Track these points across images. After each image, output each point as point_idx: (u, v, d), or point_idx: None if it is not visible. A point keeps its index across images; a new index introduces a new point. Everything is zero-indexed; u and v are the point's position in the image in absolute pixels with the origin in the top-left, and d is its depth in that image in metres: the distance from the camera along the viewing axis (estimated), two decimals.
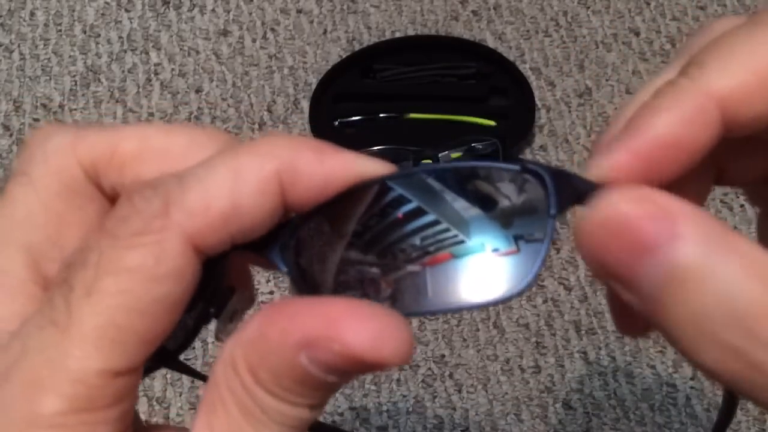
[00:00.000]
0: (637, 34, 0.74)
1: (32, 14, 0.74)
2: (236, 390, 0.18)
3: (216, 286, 0.20)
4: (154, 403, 0.58)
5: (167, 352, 0.21)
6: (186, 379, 0.58)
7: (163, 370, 0.58)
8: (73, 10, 0.74)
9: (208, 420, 0.18)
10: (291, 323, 0.18)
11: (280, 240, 0.20)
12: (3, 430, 0.18)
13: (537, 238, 0.19)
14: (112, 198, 0.22)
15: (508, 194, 0.20)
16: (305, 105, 0.69)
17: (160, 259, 0.18)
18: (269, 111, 0.69)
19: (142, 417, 0.58)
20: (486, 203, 0.20)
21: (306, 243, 0.20)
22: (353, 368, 0.17)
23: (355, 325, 0.17)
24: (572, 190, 0.19)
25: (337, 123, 0.68)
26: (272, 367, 0.18)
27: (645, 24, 0.74)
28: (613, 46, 0.73)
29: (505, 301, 0.19)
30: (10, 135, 0.68)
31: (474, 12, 0.75)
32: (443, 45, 0.73)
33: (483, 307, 0.19)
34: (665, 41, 0.73)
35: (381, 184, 0.20)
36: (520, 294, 0.19)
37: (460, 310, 0.20)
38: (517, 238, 0.19)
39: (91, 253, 0.18)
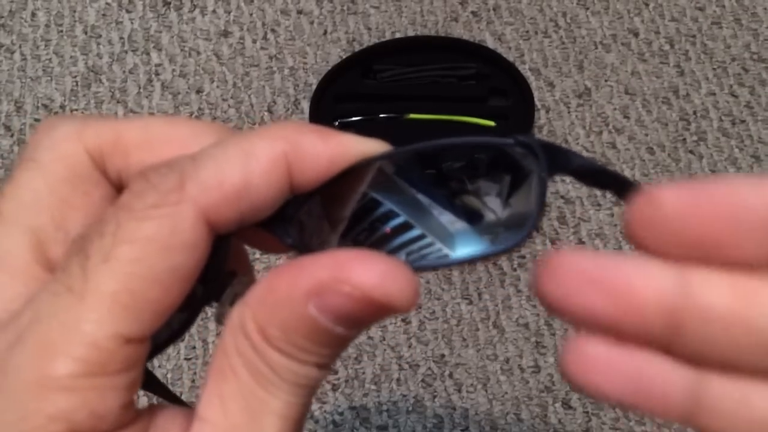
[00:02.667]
0: (636, 34, 0.74)
1: (33, 15, 0.74)
2: (246, 352, 0.18)
3: (218, 268, 0.21)
4: (154, 401, 0.58)
5: (173, 335, 0.22)
6: (186, 379, 0.58)
7: (162, 371, 0.58)
8: (74, 11, 0.75)
9: (218, 389, 0.19)
10: (299, 273, 0.18)
11: (285, 216, 0.21)
12: (15, 392, 0.18)
13: (508, 228, 0.20)
14: (116, 185, 0.22)
15: (495, 175, 0.21)
16: (305, 105, 0.69)
17: (174, 231, 0.19)
18: (270, 111, 0.70)
19: None
20: (468, 191, 0.21)
21: (310, 219, 0.21)
22: (362, 312, 0.18)
23: (363, 266, 0.18)
24: (563, 159, 0.20)
25: (337, 123, 0.69)
26: (282, 322, 0.18)
27: (644, 25, 0.74)
28: (612, 47, 0.73)
29: (500, 253, 0.20)
30: (11, 135, 0.69)
31: (473, 13, 0.75)
32: (443, 46, 0.73)
33: (479, 258, 0.20)
34: (664, 42, 0.73)
35: (379, 164, 0.21)
36: (512, 247, 0.20)
37: (460, 263, 0.21)
38: (489, 228, 0.20)
39: (108, 225, 0.19)
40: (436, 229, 0.20)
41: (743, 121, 0.70)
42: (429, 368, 0.59)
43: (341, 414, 0.57)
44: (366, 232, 0.21)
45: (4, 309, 0.20)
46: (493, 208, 0.21)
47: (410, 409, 0.57)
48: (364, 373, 0.58)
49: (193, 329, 0.60)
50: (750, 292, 0.17)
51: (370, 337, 0.60)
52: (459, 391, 0.58)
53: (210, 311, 0.23)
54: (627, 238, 0.17)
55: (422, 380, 0.58)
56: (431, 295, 0.61)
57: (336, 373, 0.58)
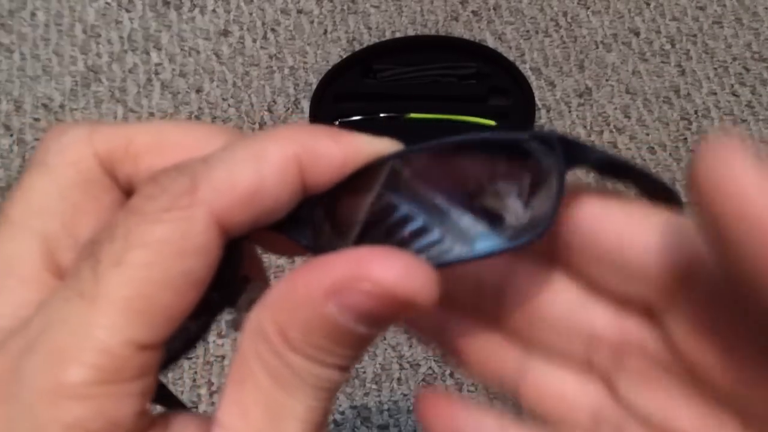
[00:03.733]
0: (637, 34, 0.74)
1: (33, 14, 0.74)
2: (266, 356, 0.18)
3: (233, 274, 0.20)
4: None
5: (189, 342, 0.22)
6: (188, 379, 0.58)
7: None
8: (74, 11, 0.75)
9: (238, 394, 0.19)
10: (317, 273, 0.18)
11: (299, 218, 0.21)
12: (29, 401, 0.18)
13: (524, 226, 0.20)
14: (126, 190, 0.22)
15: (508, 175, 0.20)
16: (305, 105, 0.69)
17: (187, 234, 0.18)
18: (270, 111, 0.70)
19: None
20: (483, 190, 0.20)
21: (324, 219, 0.21)
22: (383, 309, 0.18)
23: (383, 262, 0.17)
24: (581, 152, 0.20)
25: (337, 123, 0.68)
26: (302, 323, 0.18)
27: (645, 24, 0.74)
28: (613, 47, 0.73)
29: (520, 246, 0.20)
30: (11, 135, 0.68)
31: (474, 12, 0.75)
32: (443, 45, 0.73)
33: (497, 254, 0.20)
34: (665, 41, 0.73)
35: (390, 164, 0.21)
36: (535, 238, 0.20)
37: (477, 259, 0.20)
38: (504, 227, 0.20)
39: (118, 229, 0.18)
40: (452, 226, 0.20)
41: (744, 121, 0.70)
42: (430, 367, 0.59)
43: (342, 413, 0.57)
44: (381, 230, 0.21)
45: (14, 315, 0.20)
46: (510, 204, 0.20)
47: (411, 408, 0.57)
48: (365, 372, 0.58)
49: None
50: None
51: None
52: (460, 390, 0.58)
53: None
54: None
55: (423, 379, 0.58)
56: None
57: None
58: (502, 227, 0.20)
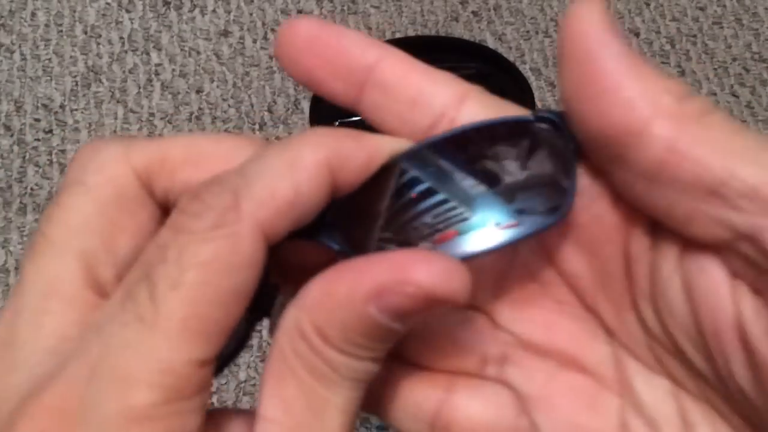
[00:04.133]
0: (637, 34, 0.74)
1: (33, 15, 0.74)
2: (304, 354, 0.19)
3: (265, 282, 0.21)
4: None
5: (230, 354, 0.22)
6: None
7: None
8: (74, 11, 0.75)
9: (278, 390, 0.19)
10: (358, 277, 0.19)
11: (326, 222, 0.21)
12: (99, 426, 0.18)
13: (539, 211, 0.21)
14: (162, 204, 0.22)
15: (516, 162, 0.21)
16: (305, 105, 0.69)
17: (236, 250, 0.19)
18: (270, 111, 0.70)
19: None
20: (493, 176, 0.21)
21: (349, 222, 0.22)
22: (424, 308, 0.19)
23: (425, 267, 0.19)
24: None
25: (337, 123, 0.68)
26: (341, 323, 0.19)
27: (645, 24, 0.74)
28: None
29: (537, 232, 0.21)
30: (11, 135, 0.68)
31: (474, 13, 0.75)
32: (443, 45, 0.73)
33: (522, 239, 0.21)
34: (665, 42, 0.73)
35: (399, 162, 0.22)
36: (557, 220, 0.21)
37: (502, 246, 0.21)
38: (519, 212, 0.21)
39: (170, 250, 0.19)
40: (474, 216, 0.21)
41: (744, 122, 0.70)
42: None
43: None
44: (406, 227, 0.21)
45: (62, 337, 0.20)
46: (526, 188, 0.21)
47: None
48: None
49: None
50: None
51: None
52: None
53: None
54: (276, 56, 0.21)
55: None
56: None
57: None
58: (517, 207, 0.21)
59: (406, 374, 0.24)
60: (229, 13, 0.75)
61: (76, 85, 0.71)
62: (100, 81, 0.71)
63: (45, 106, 0.70)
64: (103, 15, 0.75)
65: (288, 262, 0.23)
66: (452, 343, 0.24)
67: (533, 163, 0.21)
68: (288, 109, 0.70)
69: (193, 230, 0.19)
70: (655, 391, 0.22)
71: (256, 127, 0.69)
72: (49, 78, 0.71)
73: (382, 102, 0.23)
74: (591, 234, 0.22)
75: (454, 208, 0.21)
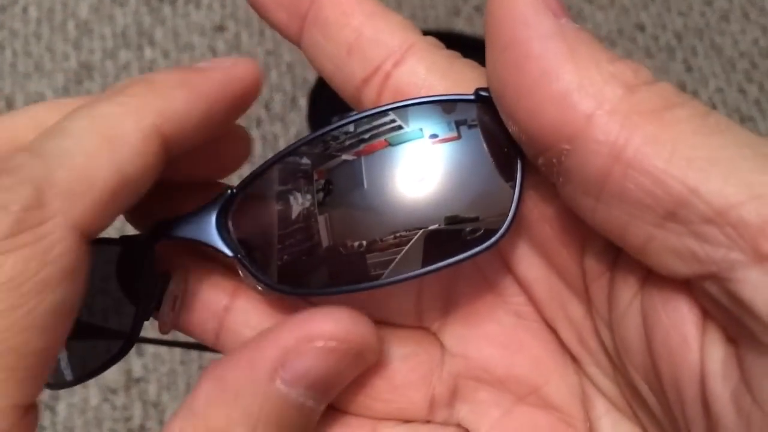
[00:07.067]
0: (643, 29, 0.72)
1: (25, 10, 0.73)
2: None
3: (148, 279, 0.19)
4: (149, 407, 0.57)
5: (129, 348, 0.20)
6: (181, 383, 0.57)
7: (158, 373, 0.57)
8: (66, 6, 0.73)
9: None
10: (258, 350, 0.16)
11: (217, 219, 0.19)
12: None
13: (497, 214, 0.17)
14: None
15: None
16: (303, 102, 0.68)
17: (46, 259, 0.15)
18: (267, 108, 0.68)
19: (137, 422, 0.56)
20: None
21: (245, 219, 0.19)
22: (336, 366, 0.16)
23: (328, 317, 0.16)
24: None
25: (335, 119, 0.67)
26: (243, 415, 0.16)
27: (650, 19, 0.73)
28: (618, 42, 0.71)
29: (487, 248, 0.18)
30: None
31: (476, 7, 0.73)
32: (444, 40, 0.71)
33: (452, 265, 0.18)
34: (671, 37, 0.72)
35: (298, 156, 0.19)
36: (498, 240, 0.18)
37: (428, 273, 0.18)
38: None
39: None
40: (390, 229, 0.18)
41: (752, 118, 0.68)
42: None
43: None
44: (304, 240, 0.18)
45: None
46: (462, 194, 0.17)
47: None
48: None
49: None
50: None
51: None
52: None
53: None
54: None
55: None
56: None
57: None
58: (450, 219, 0.18)
59: (344, 427, 0.20)
60: (224, 7, 0.73)
61: (69, 81, 0.70)
62: (93, 77, 0.70)
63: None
64: (96, 10, 0.73)
65: (177, 246, 0.20)
66: (392, 387, 0.19)
67: (466, 153, 0.18)
68: (285, 106, 0.68)
69: None
70: None
71: (253, 124, 0.68)
72: (40, 74, 0.70)
73: (320, 42, 0.19)
74: (544, 235, 0.18)
75: (378, 213, 0.18)
